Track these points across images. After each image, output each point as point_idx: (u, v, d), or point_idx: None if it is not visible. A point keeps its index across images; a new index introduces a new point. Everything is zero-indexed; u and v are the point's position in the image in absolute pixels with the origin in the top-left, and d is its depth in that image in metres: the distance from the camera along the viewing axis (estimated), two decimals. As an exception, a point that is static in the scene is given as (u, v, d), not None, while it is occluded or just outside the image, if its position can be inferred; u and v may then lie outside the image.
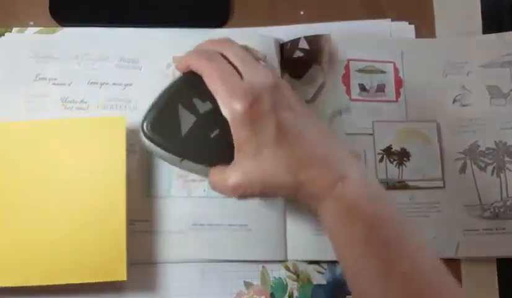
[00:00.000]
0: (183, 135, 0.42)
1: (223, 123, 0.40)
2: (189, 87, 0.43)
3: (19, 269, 0.43)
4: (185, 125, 0.42)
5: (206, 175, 0.43)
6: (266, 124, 0.38)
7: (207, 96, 0.41)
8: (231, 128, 0.39)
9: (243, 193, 0.39)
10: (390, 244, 0.36)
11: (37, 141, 0.46)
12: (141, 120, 0.43)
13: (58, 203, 0.45)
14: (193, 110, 0.42)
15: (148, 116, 0.43)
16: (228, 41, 0.43)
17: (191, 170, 0.45)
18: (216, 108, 0.40)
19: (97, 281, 0.44)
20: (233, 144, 0.40)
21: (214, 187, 0.41)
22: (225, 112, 0.39)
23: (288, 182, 0.38)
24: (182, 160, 0.44)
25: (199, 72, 0.41)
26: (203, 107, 0.42)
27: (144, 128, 0.43)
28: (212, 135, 0.42)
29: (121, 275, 0.44)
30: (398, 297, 0.34)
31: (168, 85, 0.44)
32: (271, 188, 0.39)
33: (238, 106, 0.38)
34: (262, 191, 0.39)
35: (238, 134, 0.39)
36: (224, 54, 0.41)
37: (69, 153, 0.46)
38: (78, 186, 0.45)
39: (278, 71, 0.52)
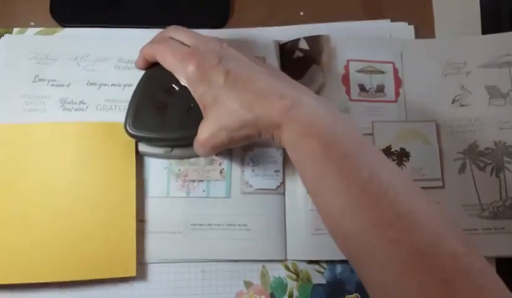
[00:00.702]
0: (164, 122, 0.45)
1: (192, 96, 0.43)
2: (154, 78, 0.47)
3: (34, 267, 0.45)
4: (162, 112, 0.45)
5: (197, 155, 0.47)
6: (216, 75, 0.41)
7: (172, 79, 0.44)
8: (190, 91, 0.43)
9: (214, 145, 0.42)
10: (348, 157, 0.37)
11: (51, 142, 0.48)
12: (123, 125, 0.46)
13: (72, 203, 0.47)
14: (164, 96, 0.46)
15: (128, 118, 0.46)
16: (175, 26, 0.47)
17: (183, 156, 0.48)
18: (182, 87, 0.44)
19: (107, 277, 0.45)
20: None
21: (196, 151, 0.44)
22: (182, 80, 0.43)
23: (247, 119, 0.40)
24: (172, 150, 0.47)
25: (154, 57, 0.45)
26: (172, 90, 0.45)
27: (128, 129, 0.46)
28: (188, 111, 0.45)
29: (131, 271, 0.45)
30: (358, 207, 0.35)
31: (136, 86, 0.47)
32: (235, 131, 0.41)
33: (188, 68, 0.42)
34: (229, 137, 0.41)
35: (196, 92, 0.42)
36: (173, 36, 0.46)
37: (81, 155, 0.48)
38: (91, 187, 0.47)
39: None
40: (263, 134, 0.41)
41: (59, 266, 0.45)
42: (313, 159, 0.37)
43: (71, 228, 0.46)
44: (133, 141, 0.48)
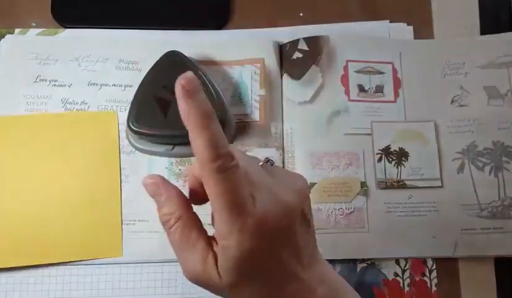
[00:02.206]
0: (166, 119, 0.46)
1: None
2: (157, 77, 0.48)
3: (31, 250, 0.47)
4: (164, 109, 0.47)
5: None
6: (262, 273, 0.29)
7: (175, 78, 0.44)
8: (219, 249, 0.29)
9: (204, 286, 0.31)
10: None
11: (37, 131, 0.50)
12: (126, 122, 0.47)
13: (58, 189, 0.48)
14: (166, 94, 0.47)
15: (130, 115, 0.47)
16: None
17: (184, 155, 0.49)
18: None
19: (95, 258, 0.47)
20: None
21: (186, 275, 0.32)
22: (219, 235, 0.28)
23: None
24: (173, 148, 0.48)
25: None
26: (174, 88, 0.46)
27: (131, 125, 0.47)
28: None
29: (118, 253, 0.47)
30: None
31: (139, 84, 0.48)
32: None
33: (233, 242, 0.28)
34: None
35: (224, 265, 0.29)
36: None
37: (68, 143, 0.50)
38: (76, 173, 0.49)
39: (278, 71, 0.52)
40: None
41: (50, 248, 0.47)
42: None
43: (60, 213, 0.48)
44: (116, 128, 0.49)
